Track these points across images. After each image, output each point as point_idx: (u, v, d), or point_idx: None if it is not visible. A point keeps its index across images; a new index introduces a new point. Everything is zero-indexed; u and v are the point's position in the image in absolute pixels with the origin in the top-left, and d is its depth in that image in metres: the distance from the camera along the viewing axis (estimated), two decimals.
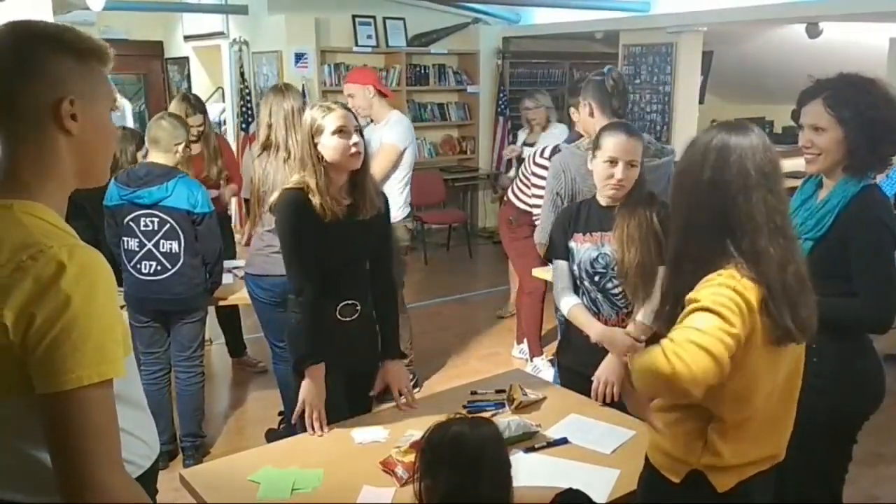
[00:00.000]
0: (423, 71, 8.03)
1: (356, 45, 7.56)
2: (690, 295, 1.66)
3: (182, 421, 3.71)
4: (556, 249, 2.75)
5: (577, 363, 2.73)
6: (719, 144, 1.71)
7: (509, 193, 4.92)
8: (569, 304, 2.68)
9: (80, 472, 1.17)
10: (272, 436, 3.79)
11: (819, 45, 7.09)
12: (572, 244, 2.68)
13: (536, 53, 8.98)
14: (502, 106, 8.34)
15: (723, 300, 1.60)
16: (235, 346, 5.00)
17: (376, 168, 4.00)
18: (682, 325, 1.61)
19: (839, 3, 5.43)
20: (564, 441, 2.32)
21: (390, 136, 4.20)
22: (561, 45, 8.89)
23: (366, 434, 2.38)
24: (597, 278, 2.64)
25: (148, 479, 1.50)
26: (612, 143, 2.55)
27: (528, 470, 2.05)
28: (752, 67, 8.36)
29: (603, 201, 2.65)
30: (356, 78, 4.36)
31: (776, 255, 1.65)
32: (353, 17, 7.56)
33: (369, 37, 7.64)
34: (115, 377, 1.21)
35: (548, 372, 4.86)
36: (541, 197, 4.58)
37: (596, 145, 2.62)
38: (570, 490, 1.82)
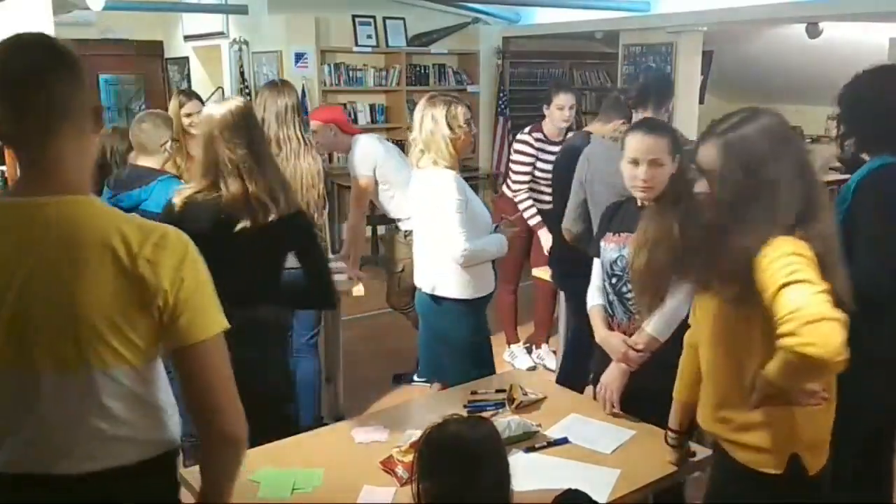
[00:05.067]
0: (423, 71, 8.02)
1: (356, 45, 7.56)
2: (761, 285, 1.62)
3: (182, 420, 3.69)
4: (593, 247, 2.71)
5: (600, 367, 2.62)
6: (772, 129, 1.73)
7: (503, 187, 4.83)
8: (590, 304, 2.65)
9: (231, 404, 1.45)
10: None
11: (819, 45, 7.08)
12: (602, 243, 2.62)
13: (536, 53, 8.97)
14: (502, 106, 8.34)
15: (793, 268, 1.57)
16: None
17: (354, 202, 4.16)
18: (782, 317, 1.54)
19: (839, 3, 5.41)
20: (564, 441, 2.32)
21: (353, 170, 4.12)
22: (561, 44, 8.88)
23: (366, 434, 2.38)
24: (614, 280, 2.56)
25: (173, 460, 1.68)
26: (632, 143, 2.47)
27: (528, 470, 2.06)
28: (752, 67, 8.35)
29: (638, 201, 2.53)
30: (318, 115, 4.27)
31: (827, 227, 1.70)
32: (353, 17, 7.56)
33: (369, 37, 7.64)
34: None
35: (523, 359, 4.84)
36: (519, 183, 4.46)
37: (622, 145, 2.54)
38: (570, 490, 1.82)
